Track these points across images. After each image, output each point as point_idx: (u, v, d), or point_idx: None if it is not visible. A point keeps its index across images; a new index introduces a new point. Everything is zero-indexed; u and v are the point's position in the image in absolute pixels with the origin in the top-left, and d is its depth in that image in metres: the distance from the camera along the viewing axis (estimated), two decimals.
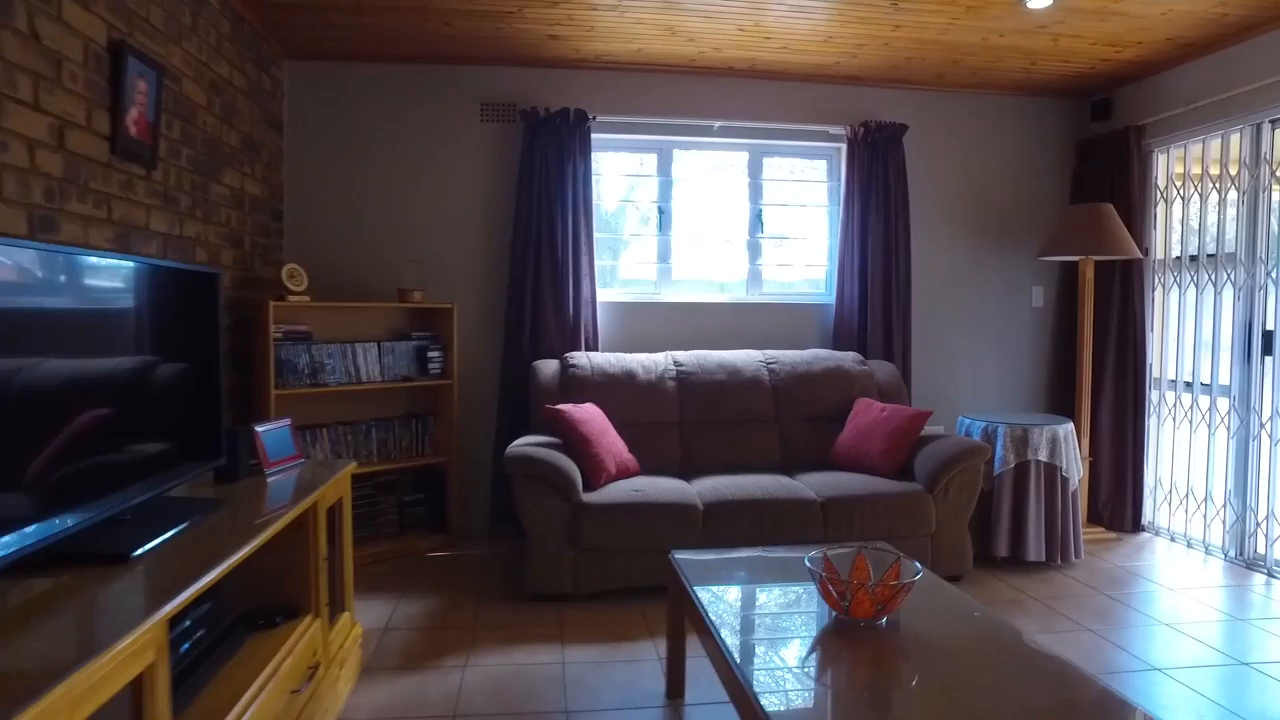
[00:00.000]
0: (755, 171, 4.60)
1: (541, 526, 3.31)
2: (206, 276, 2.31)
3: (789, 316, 4.57)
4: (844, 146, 4.48)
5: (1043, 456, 3.76)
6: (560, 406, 3.55)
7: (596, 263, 4.35)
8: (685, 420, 4.01)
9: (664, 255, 4.55)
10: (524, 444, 3.47)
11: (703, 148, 4.59)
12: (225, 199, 3.43)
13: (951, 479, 3.51)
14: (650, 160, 4.56)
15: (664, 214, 4.52)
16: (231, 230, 3.51)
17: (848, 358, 4.22)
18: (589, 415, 3.62)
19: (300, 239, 4.19)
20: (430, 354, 4.08)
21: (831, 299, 4.55)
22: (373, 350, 3.93)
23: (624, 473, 3.62)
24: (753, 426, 4.03)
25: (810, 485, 3.57)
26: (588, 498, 3.33)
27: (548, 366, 4.03)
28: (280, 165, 4.11)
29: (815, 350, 4.27)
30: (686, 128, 4.44)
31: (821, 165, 4.70)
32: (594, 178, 4.33)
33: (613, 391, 3.92)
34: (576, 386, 3.92)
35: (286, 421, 2.70)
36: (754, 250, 4.62)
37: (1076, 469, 3.87)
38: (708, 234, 4.61)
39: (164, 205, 2.91)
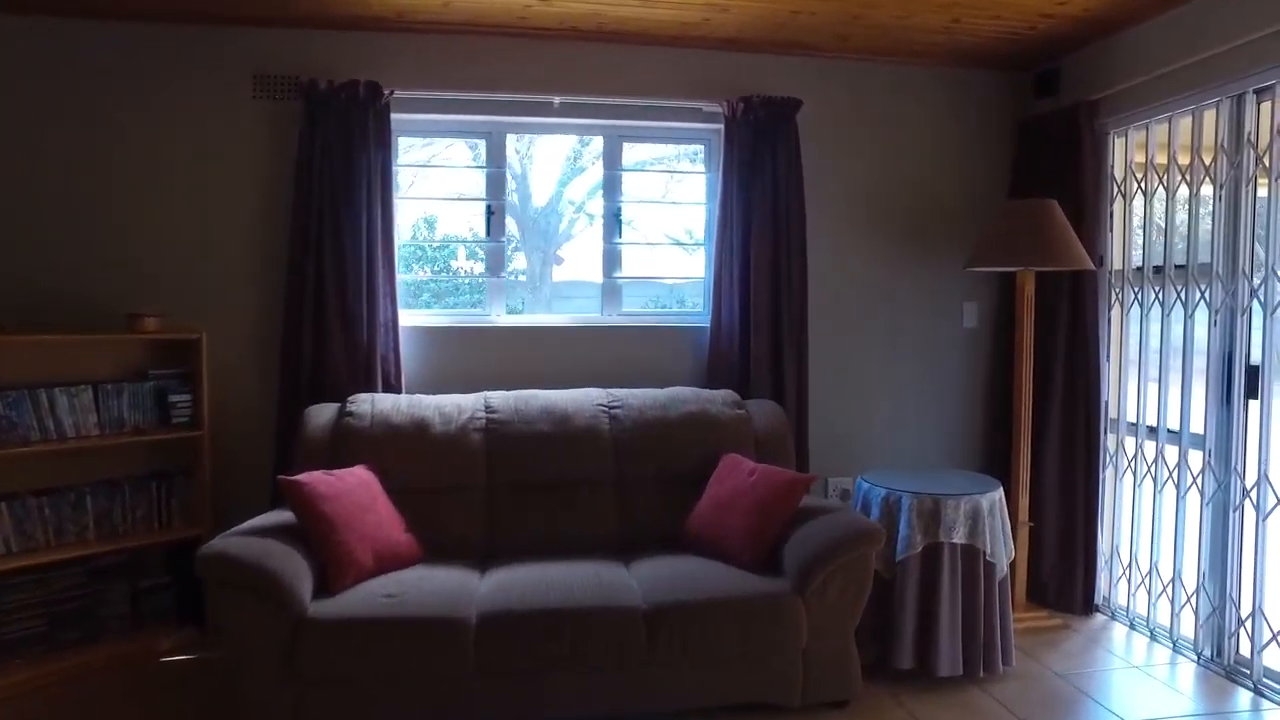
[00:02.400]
0: (613, 160, 3.66)
1: (249, 648, 2.37)
2: None
3: (655, 344, 3.64)
4: (721, 128, 3.55)
5: (959, 537, 2.83)
6: (298, 478, 2.62)
7: (400, 277, 3.41)
8: (495, 484, 3.08)
9: (495, 266, 3.62)
10: (243, 530, 2.54)
11: (545, 131, 3.65)
12: None
13: (831, 574, 2.58)
14: (476, 150, 3.62)
15: (494, 215, 3.59)
16: None
17: (717, 398, 3.29)
18: (343, 487, 2.68)
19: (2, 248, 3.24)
20: (173, 398, 3.14)
21: (707, 321, 3.63)
22: (86, 395, 2.99)
23: (391, 563, 2.69)
24: (585, 491, 3.10)
25: (641, 580, 2.64)
26: (317, 608, 2.40)
27: (321, 414, 3.09)
28: None
29: (676, 390, 3.34)
30: (521, 106, 3.50)
31: (699, 151, 3.77)
32: (395, 169, 3.39)
33: (397, 447, 2.98)
34: (351, 441, 2.98)
35: None
36: (611, 260, 3.69)
37: (1006, 550, 2.95)
38: (551, 239, 3.69)
39: None
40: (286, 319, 3.27)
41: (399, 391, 3.36)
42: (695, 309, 3.79)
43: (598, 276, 3.68)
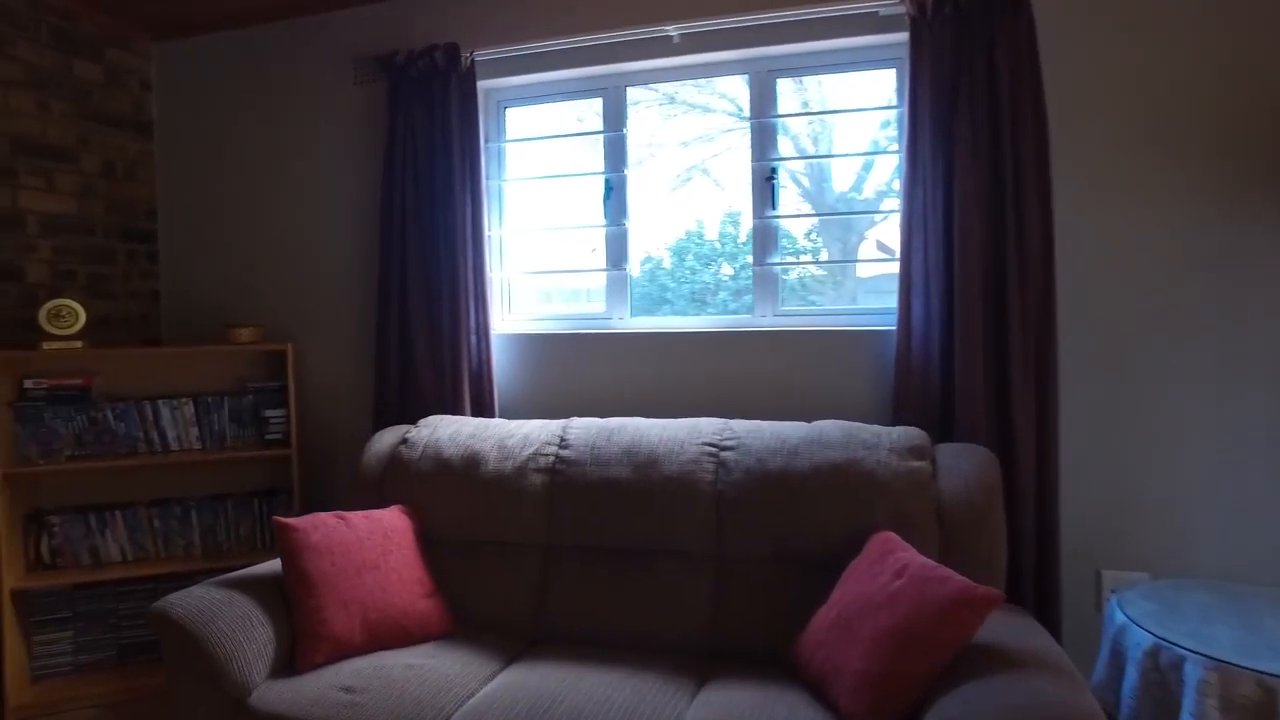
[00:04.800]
0: (763, 105, 2.68)
1: None
2: None
3: (820, 355, 2.57)
4: (906, 36, 2.36)
5: None
6: (288, 521, 2.14)
7: (497, 275, 2.83)
8: (554, 544, 2.32)
9: (615, 256, 2.85)
10: (224, 580, 2.12)
11: (676, 77, 2.79)
12: None
13: None
14: (589, 114, 2.89)
15: (613, 191, 2.83)
16: None
17: (883, 440, 2.14)
18: (347, 537, 2.15)
19: (175, 261, 3.33)
20: (268, 412, 2.93)
21: (893, 322, 2.45)
22: (188, 408, 2.90)
23: (392, 637, 2.09)
24: (668, 566, 2.20)
25: None
26: (264, 693, 1.89)
27: (383, 440, 2.61)
28: (139, 171, 3.27)
29: (820, 426, 2.25)
30: (640, 47, 2.69)
31: (886, 78, 2.60)
32: (488, 147, 2.82)
33: (441, 486, 2.38)
34: (397, 475, 2.46)
35: None
36: (763, 239, 2.70)
37: None
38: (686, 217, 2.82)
39: None
40: (377, 327, 2.88)
41: (490, 412, 2.78)
42: (886, 307, 2.63)
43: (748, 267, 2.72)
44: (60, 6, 2.94)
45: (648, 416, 2.58)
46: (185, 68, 3.25)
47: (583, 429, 2.42)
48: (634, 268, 2.86)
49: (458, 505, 2.36)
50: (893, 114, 2.57)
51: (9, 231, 2.81)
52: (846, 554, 1.99)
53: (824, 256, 2.79)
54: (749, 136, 2.68)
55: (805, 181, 2.80)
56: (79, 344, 2.75)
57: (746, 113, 2.70)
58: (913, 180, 2.33)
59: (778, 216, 2.67)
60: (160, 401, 2.86)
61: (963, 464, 2.10)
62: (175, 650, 1.92)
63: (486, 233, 2.81)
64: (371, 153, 2.97)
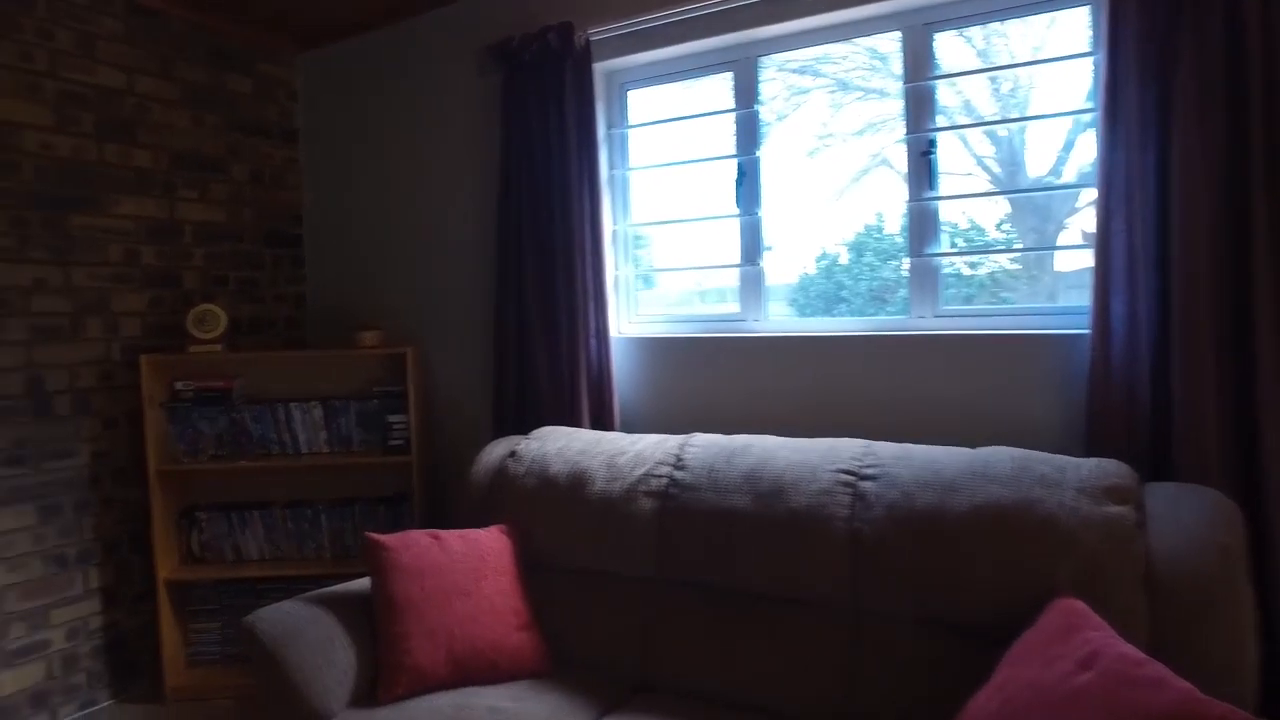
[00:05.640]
0: (918, 66, 2.24)
1: None
2: None
3: (991, 365, 2.11)
4: None
5: None
6: (380, 538, 2.02)
7: (617, 274, 2.60)
8: (663, 579, 2.04)
9: (749, 251, 2.53)
10: (313, 596, 2.03)
11: (806, 43, 2.41)
12: (118, 232, 2.78)
13: None
14: (718, 89, 2.57)
15: (746, 176, 2.50)
16: (141, 268, 2.85)
17: (1070, 475, 1.67)
18: (438, 560, 2.00)
19: (319, 265, 3.39)
20: (391, 418, 2.88)
21: (1087, 325, 1.94)
22: (317, 411, 2.91)
23: (479, 672, 1.91)
24: (791, 617, 1.85)
25: None
26: None
27: (493, 452, 2.45)
28: (284, 182, 3.35)
29: (987, 453, 1.81)
30: (774, 5, 2.34)
31: (1078, 18, 2.07)
32: (600, 132, 2.58)
33: (543, 507, 2.18)
34: (503, 491, 2.29)
35: None
36: (920, 225, 2.26)
37: None
38: (827, 203, 2.44)
39: None
40: (495, 330, 2.74)
41: (610, 424, 2.55)
42: (1079, 305, 2.11)
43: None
44: (215, 25, 3.06)
45: (783, 433, 2.24)
46: (326, 75, 3.29)
47: (702, 448, 2.12)
48: (809, 264, 2.52)
49: (561, 528, 2.14)
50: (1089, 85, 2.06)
51: (169, 241, 2.94)
52: (1015, 623, 1.55)
53: (1017, 250, 2.31)
54: (902, 104, 2.26)
55: (994, 166, 2.33)
56: (218, 348, 2.83)
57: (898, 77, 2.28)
58: (1111, 146, 1.82)
59: (936, 198, 2.23)
60: (292, 404, 2.89)
61: (1184, 512, 1.59)
62: (259, 667, 1.84)
63: (606, 227, 2.59)
64: (492, 148, 2.84)
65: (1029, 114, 2.21)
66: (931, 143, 2.22)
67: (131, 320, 2.83)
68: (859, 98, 2.42)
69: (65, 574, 2.68)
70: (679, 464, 2.10)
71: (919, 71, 2.23)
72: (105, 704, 2.77)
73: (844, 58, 2.45)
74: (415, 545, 2.01)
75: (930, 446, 1.90)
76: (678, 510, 2.02)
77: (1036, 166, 2.26)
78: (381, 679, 1.87)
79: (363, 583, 2.12)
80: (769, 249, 2.52)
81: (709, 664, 1.89)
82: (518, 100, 2.61)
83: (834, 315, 2.47)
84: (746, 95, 2.48)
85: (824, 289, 2.54)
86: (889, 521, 1.77)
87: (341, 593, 2.06)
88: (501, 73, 2.68)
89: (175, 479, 2.88)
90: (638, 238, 2.79)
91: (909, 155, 2.25)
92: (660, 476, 2.09)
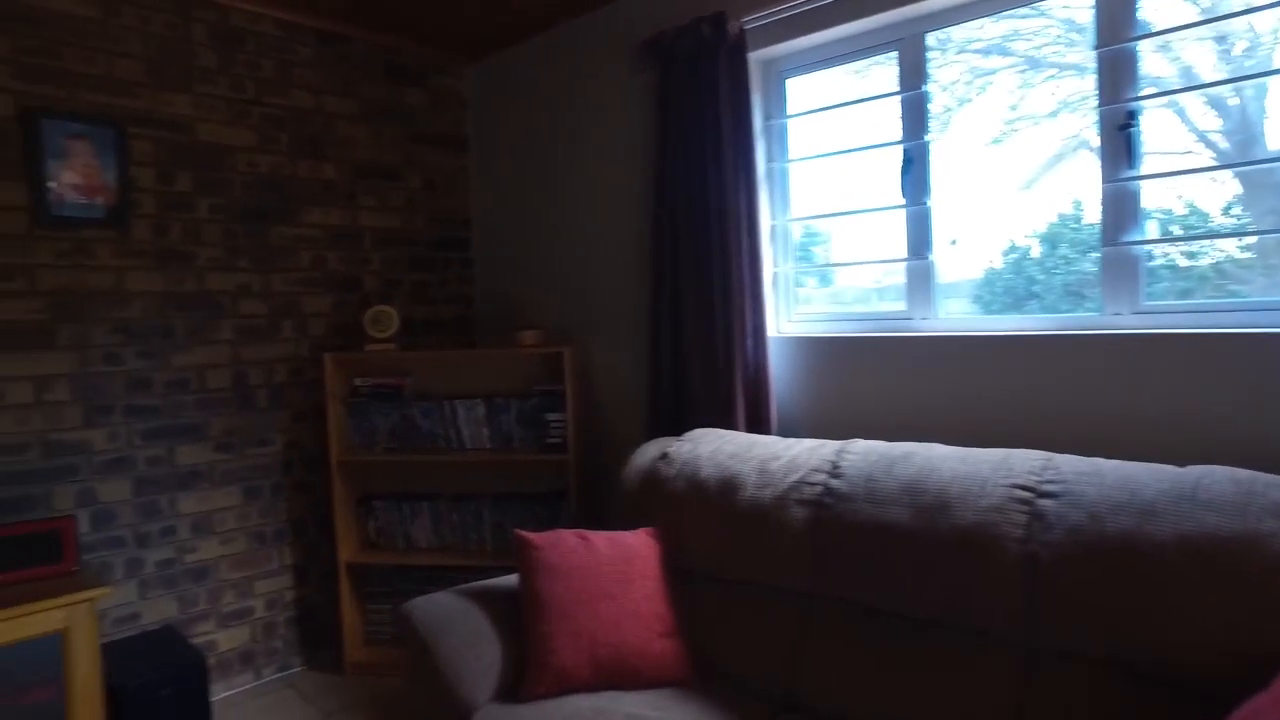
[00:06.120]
0: (1115, 25, 1.96)
1: None
2: None
3: (1202, 370, 1.81)
4: None
5: None
6: (530, 536, 2.05)
7: (776, 271, 2.49)
8: (816, 594, 1.92)
9: (916, 244, 2.33)
10: (464, 590, 2.10)
11: (977, 14, 2.17)
12: (308, 240, 3.04)
13: None
14: (883, 73, 2.38)
15: (913, 164, 2.31)
16: (327, 272, 3.10)
17: None
18: (585, 561, 2.00)
19: (487, 267, 3.54)
20: (549, 416, 2.94)
21: None
22: (479, 409, 3.02)
23: (622, 678, 1.89)
24: (953, 647, 1.68)
25: None
26: (486, 716, 1.81)
27: (646, 452, 2.42)
28: (454, 188, 3.51)
29: (1197, 473, 1.53)
30: None
31: None
32: (757, 123, 2.48)
33: (692, 511, 2.12)
34: (653, 493, 2.26)
35: None
36: (1117, 210, 1.98)
37: None
38: (1006, 194, 2.19)
39: (156, 263, 2.67)
40: (651, 330, 2.72)
41: (766, 427, 2.46)
42: None
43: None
44: (392, 44, 3.26)
45: (951, 443, 2.04)
46: (492, 85, 3.42)
47: (860, 455, 1.98)
48: (995, 258, 2.32)
49: (710, 534, 2.08)
50: None
51: (350, 247, 3.18)
52: (1232, 679, 1.32)
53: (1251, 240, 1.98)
54: (1095, 72, 1.99)
55: (1221, 141, 2.01)
56: (392, 346, 3.01)
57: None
58: None
59: (1136, 177, 1.95)
60: (458, 402, 3.02)
61: None
62: (414, 655, 1.92)
63: (764, 223, 2.50)
64: (647, 146, 2.82)
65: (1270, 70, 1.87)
66: (1132, 115, 1.94)
67: (318, 321, 3.08)
68: (1052, 75, 2.16)
69: (264, 550, 2.96)
70: (835, 471, 1.97)
71: (1115, 32, 1.96)
72: (298, 669, 3.04)
73: (1035, 33, 2.21)
74: (563, 545, 2.03)
75: (1124, 463, 1.65)
76: (832, 521, 1.89)
77: (1278, 138, 1.91)
78: (525, 676, 1.89)
79: (512, 579, 2.16)
80: (954, 242, 2.32)
81: (860, 687, 1.76)
82: (672, 95, 2.57)
83: (1022, 312, 2.22)
84: (913, 76, 2.30)
85: (1012, 284, 2.30)
86: (1072, 546, 1.55)
87: (492, 587, 2.11)
88: (655, 69, 2.65)
89: (353, 469, 3.10)
90: (812, 234, 2.67)
91: (1102, 130, 1.98)
92: (814, 485, 1.97)
